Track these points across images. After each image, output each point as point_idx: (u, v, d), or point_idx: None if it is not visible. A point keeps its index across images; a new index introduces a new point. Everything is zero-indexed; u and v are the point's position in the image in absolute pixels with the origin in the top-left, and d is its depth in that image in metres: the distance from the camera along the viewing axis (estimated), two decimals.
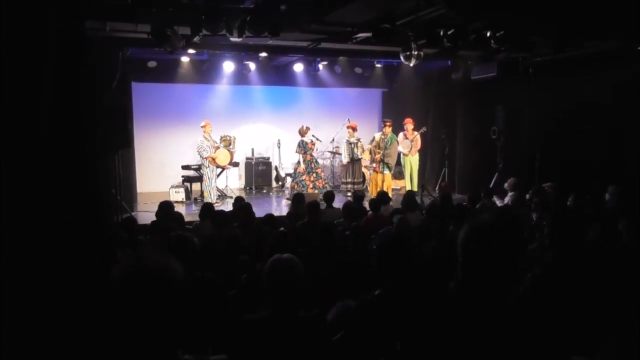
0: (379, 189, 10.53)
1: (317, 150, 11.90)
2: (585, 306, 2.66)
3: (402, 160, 12.15)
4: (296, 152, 11.59)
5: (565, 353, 1.93)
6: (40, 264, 2.48)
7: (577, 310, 2.67)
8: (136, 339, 1.40)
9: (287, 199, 11.35)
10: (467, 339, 1.91)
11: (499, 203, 8.05)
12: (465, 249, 2.00)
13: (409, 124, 11.86)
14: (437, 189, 12.02)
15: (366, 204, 7.99)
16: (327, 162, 13.86)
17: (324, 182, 11.60)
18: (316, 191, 10.90)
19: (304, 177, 11.29)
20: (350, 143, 11.96)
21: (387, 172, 11.29)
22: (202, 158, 11.02)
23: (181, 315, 1.45)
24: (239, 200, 7.85)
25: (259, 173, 13.38)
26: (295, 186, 11.23)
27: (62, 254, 2.59)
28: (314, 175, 11.34)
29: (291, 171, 12.34)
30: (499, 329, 1.90)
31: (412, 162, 11.92)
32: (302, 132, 11.51)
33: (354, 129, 12.06)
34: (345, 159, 12.12)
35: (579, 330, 2.20)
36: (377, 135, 11.59)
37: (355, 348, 2.72)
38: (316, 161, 11.67)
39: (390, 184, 11.37)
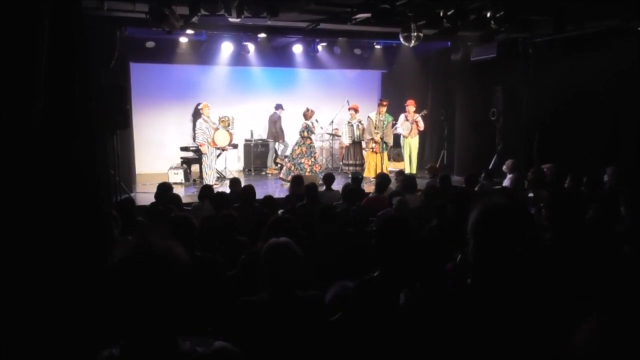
0: (377, 170, 10.51)
1: (315, 133, 11.83)
2: (584, 286, 2.67)
3: (401, 142, 12.10)
4: (304, 135, 11.25)
5: (564, 332, 1.93)
6: (37, 247, 2.48)
7: (575, 290, 2.68)
8: (136, 326, 1.37)
9: (281, 178, 11.31)
10: (467, 321, 1.91)
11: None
12: (477, 232, 1.96)
13: (410, 105, 11.74)
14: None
15: (364, 187, 7.99)
16: (327, 144, 13.81)
17: (320, 167, 11.54)
18: (313, 175, 10.83)
19: (302, 160, 11.20)
20: (352, 125, 11.87)
21: (385, 152, 11.27)
22: (196, 142, 10.97)
23: (184, 301, 1.40)
24: (235, 183, 7.86)
25: (258, 155, 13.32)
26: (292, 167, 11.15)
27: (60, 237, 2.58)
28: (312, 159, 11.26)
29: (288, 153, 12.28)
30: (501, 310, 1.90)
31: (411, 144, 11.86)
32: (308, 115, 11.32)
33: (356, 111, 11.95)
34: (346, 141, 12.03)
35: (578, 309, 2.20)
36: (373, 115, 11.44)
37: (353, 329, 2.73)
38: (314, 146, 11.59)
39: (387, 165, 11.34)
